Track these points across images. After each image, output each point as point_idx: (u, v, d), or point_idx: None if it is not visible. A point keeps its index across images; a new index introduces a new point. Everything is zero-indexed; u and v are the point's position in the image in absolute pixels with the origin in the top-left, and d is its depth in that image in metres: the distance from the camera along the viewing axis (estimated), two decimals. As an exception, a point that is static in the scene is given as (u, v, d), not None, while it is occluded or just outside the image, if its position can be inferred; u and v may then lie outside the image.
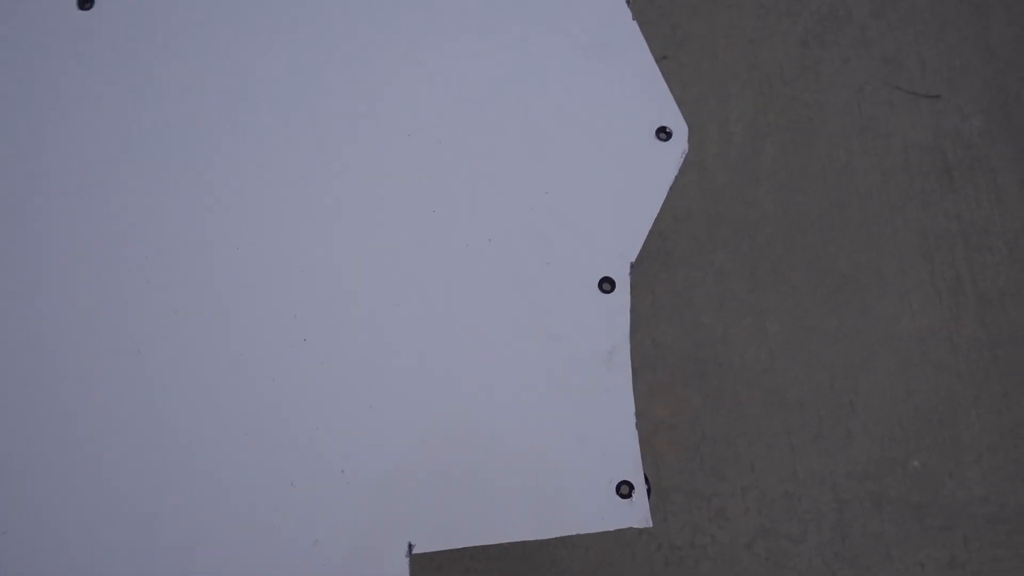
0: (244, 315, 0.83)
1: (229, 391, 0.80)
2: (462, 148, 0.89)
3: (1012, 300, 1.46)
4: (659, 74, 0.94)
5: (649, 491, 0.81)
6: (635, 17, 0.95)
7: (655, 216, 0.89)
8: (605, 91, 0.93)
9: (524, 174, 0.89)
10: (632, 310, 1.41)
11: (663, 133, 0.92)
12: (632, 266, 0.88)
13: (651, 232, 0.90)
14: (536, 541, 0.79)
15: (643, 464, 0.85)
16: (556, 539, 0.85)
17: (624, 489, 0.80)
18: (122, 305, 0.82)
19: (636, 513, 0.80)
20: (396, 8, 0.93)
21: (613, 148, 0.91)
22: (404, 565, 0.76)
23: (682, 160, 0.91)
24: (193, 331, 0.82)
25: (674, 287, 1.42)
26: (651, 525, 0.80)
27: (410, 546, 0.77)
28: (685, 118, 1.53)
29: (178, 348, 0.81)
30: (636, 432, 0.83)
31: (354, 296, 0.84)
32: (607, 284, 0.87)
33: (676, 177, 0.92)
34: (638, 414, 0.83)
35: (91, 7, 0.92)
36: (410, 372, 0.82)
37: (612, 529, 0.79)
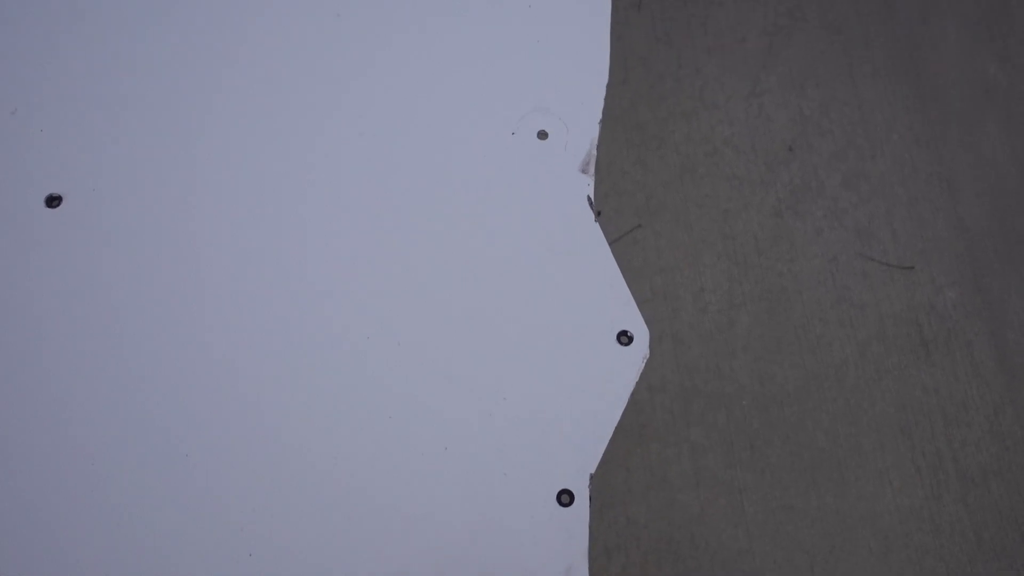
0: (190, 533, 0.80)
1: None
2: (420, 353, 0.89)
3: (995, 478, 1.43)
4: (621, 278, 0.94)
5: None
6: (599, 216, 0.96)
7: (615, 425, 0.88)
8: (567, 293, 0.93)
9: (483, 379, 0.88)
10: (606, 487, 1.38)
11: (624, 337, 0.91)
12: (592, 477, 0.85)
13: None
14: None
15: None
16: None
17: None
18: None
19: None
20: (360, 213, 0.95)
21: (574, 352, 0.90)
22: None
23: (643, 365, 0.90)
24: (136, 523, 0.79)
25: (649, 462, 1.39)
26: None
27: None
28: (660, 287, 1.54)
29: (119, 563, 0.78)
30: (593, 661, 0.78)
31: (302, 511, 0.82)
32: (565, 496, 0.84)
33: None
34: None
35: (58, 205, 0.93)
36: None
37: None
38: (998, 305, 1.55)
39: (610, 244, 1.01)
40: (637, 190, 1.59)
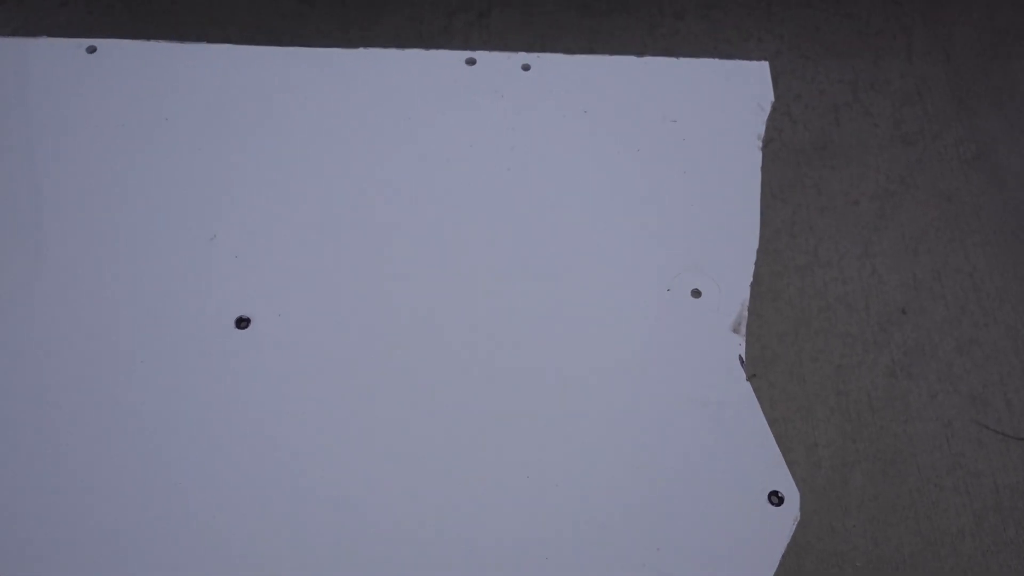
0: None
1: None
2: (575, 504, 0.92)
3: (1121, 669, 1.37)
4: (772, 437, 0.97)
5: None
6: (749, 378, 1.00)
7: (766, 584, 0.89)
8: (718, 450, 0.96)
9: (638, 531, 0.91)
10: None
11: (775, 497, 0.93)
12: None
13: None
14: None
15: None
16: None
17: None
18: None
19: None
20: (520, 363, 1.00)
21: (724, 510, 0.93)
22: None
23: (794, 527, 0.92)
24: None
25: (760, 618, 1.37)
26: None
27: None
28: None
29: None
30: None
31: None
32: (716, 654, 0.85)
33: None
34: None
35: (247, 327, 1.01)
36: None
37: None
38: (1120, 485, 1.52)
39: (727, 392, 1.04)
40: (752, 340, 1.63)
